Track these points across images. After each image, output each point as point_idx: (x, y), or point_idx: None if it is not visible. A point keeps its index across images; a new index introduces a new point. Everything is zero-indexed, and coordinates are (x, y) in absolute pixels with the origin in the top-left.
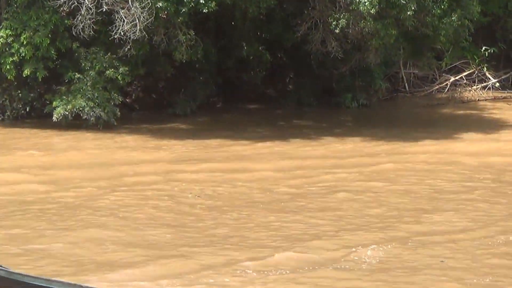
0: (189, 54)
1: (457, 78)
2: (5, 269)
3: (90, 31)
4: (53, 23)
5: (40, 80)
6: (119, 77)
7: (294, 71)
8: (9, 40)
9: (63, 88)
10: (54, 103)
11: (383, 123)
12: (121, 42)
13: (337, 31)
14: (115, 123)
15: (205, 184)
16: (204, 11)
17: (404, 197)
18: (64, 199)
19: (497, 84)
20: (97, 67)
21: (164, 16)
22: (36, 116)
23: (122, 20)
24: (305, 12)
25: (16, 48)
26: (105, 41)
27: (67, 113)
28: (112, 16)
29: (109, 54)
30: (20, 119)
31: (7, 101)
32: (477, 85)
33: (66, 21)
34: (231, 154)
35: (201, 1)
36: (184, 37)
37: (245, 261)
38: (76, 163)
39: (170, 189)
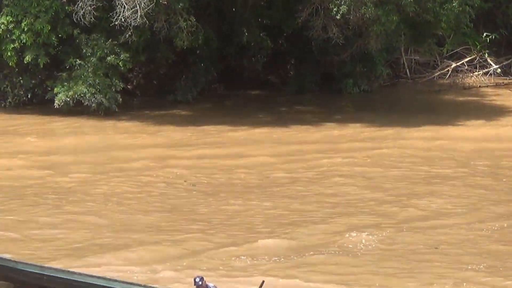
0: (190, 40)
1: (458, 64)
2: None
3: (91, 18)
4: (53, 9)
5: (41, 66)
6: (120, 63)
7: (295, 57)
8: (10, 26)
9: (64, 74)
10: (55, 89)
11: (384, 109)
12: (122, 28)
13: (338, 17)
14: (117, 110)
15: (201, 170)
16: None
17: (400, 182)
18: (60, 184)
19: (499, 70)
20: (98, 53)
21: (165, 2)
22: (38, 103)
23: (123, 7)
24: None
25: (17, 34)
26: (106, 27)
27: (68, 99)
28: (113, 2)
29: (110, 40)
30: (22, 106)
31: (8, 87)
32: (478, 71)
33: (66, 8)
34: (229, 139)
35: None
36: (185, 23)
37: (239, 246)
38: (75, 149)
39: (166, 175)
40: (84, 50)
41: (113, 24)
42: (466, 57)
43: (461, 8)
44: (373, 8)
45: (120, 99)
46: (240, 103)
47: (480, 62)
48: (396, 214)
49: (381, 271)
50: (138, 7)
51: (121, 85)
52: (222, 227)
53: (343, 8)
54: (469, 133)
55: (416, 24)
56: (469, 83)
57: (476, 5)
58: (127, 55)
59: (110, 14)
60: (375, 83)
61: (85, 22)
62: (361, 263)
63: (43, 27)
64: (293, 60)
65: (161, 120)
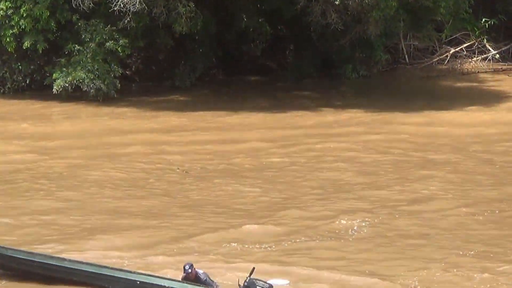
0: (189, 26)
1: (457, 49)
2: None
3: (90, 3)
4: None
5: (40, 52)
6: (119, 49)
7: (294, 43)
8: (9, 12)
9: (63, 60)
10: (54, 75)
11: (382, 94)
12: (121, 14)
13: (337, 2)
14: (115, 95)
15: (196, 155)
16: None
17: (393, 167)
18: (53, 170)
19: (497, 56)
20: (97, 39)
21: None
22: (36, 88)
23: None
24: None
25: (16, 20)
26: (105, 13)
27: (67, 85)
28: None
29: (109, 26)
30: (21, 91)
31: (7, 73)
32: (477, 57)
33: None
34: (225, 125)
35: None
36: (183, 9)
37: (230, 232)
38: (70, 134)
39: (159, 161)
40: (83, 36)
41: (112, 9)
42: (464, 43)
43: None
44: None
45: (119, 85)
46: (238, 88)
47: (478, 47)
48: (388, 199)
49: (373, 257)
50: None
51: (120, 71)
52: (213, 213)
53: None
54: (466, 119)
55: (415, 10)
56: (467, 69)
57: None
58: (126, 40)
59: None
60: (374, 68)
61: (84, 8)
62: (353, 249)
63: (42, 12)
64: (292, 46)
65: (158, 106)
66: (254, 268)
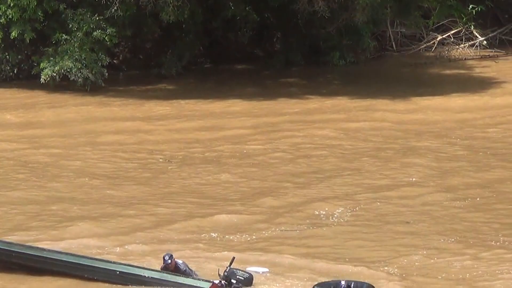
0: (176, 14)
1: (444, 36)
2: None
3: None
4: None
5: (28, 42)
6: (106, 38)
7: (281, 31)
8: None
9: (51, 49)
10: (41, 64)
11: (369, 81)
12: (108, 3)
13: None
14: (103, 84)
15: (179, 143)
16: None
17: (374, 154)
18: (35, 159)
19: (485, 43)
20: (84, 28)
21: None
22: (24, 78)
23: None
24: None
25: (3, 10)
26: (92, 2)
27: (54, 74)
28: None
29: (96, 15)
30: (8, 81)
31: None
32: (464, 44)
33: None
34: (210, 113)
35: None
36: None
37: (210, 221)
38: (55, 123)
39: (142, 150)
40: (70, 25)
41: None
42: (452, 30)
43: None
44: None
45: (106, 74)
46: (225, 77)
47: (466, 34)
48: (369, 186)
49: (354, 244)
50: None
51: (107, 60)
52: (194, 201)
53: None
54: (451, 105)
55: None
56: (454, 56)
57: None
58: (113, 29)
59: None
60: (361, 55)
61: None
62: (334, 236)
63: (29, 2)
64: (279, 34)
65: (145, 95)
66: (234, 258)
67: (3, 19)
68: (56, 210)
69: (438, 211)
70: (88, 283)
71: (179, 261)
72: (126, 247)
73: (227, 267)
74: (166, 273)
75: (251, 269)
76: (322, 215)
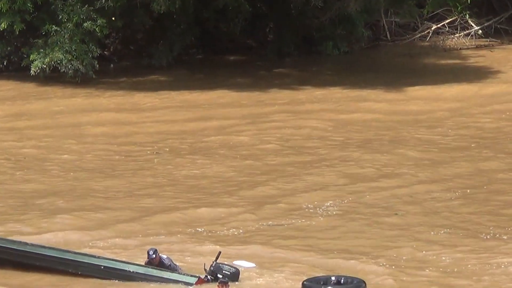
0: (167, 5)
1: (439, 26)
2: None
3: None
4: None
5: (17, 33)
6: (97, 29)
7: (274, 21)
8: None
9: (40, 41)
10: (31, 56)
11: (362, 71)
12: None
13: None
14: (94, 76)
15: (167, 135)
16: None
17: (363, 146)
18: (19, 151)
19: (480, 32)
20: (74, 19)
21: None
22: (14, 70)
23: None
24: None
25: None
26: None
27: (44, 66)
28: None
29: (86, 6)
30: None
31: None
32: (459, 33)
33: None
34: (200, 104)
35: None
36: None
37: (196, 214)
38: (43, 115)
39: (129, 141)
40: (60, 16)
41: None
42: (446, 19)
43: None
44: None
45: (97, 65)
46: (217, 68)
47: (461, 23)
48: (358, 178)
49: (342, 236)
50: None
51: (98, 51)
52: (180, 193)
53: None
54: (445, 95)
55: None
56: (449, 45)
57: None
58: (104, 20)
59: None
60: (355, 45)
61: None
62: (322, 228)
63: None
64: (272, 24)
65: (136, 86)
66: (220, 252)
67: None
68: (40, 203)
69: (428, 203)
70: (79, 279)
71: (164, 256)
72: (111, 240)
73: (213, 262)
74: (152, 267)
75: (238, 263)
76: (310, 207)
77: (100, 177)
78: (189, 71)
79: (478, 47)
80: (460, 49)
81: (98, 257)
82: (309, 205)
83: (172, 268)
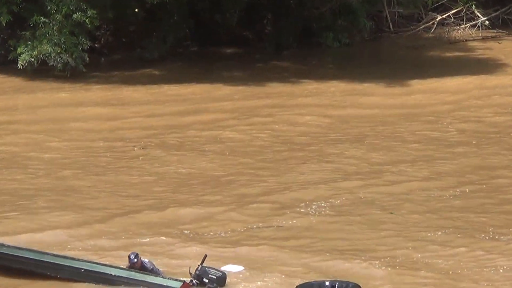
0: None
1: (444, 16)
2: None
3: None
4: None
5: (4, 25)
6: (87, 20)
7: (272, 12)
8: None
9: (28, 33)
10: (18, 49)
11: (364, 64)
12: None
13: None
14: (84, 70)
15: (155, 130)
16: None
17: (358, 141)
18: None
19: (487, 23)
20: (63, 10)
21: None
22: (1, 63)
23: None
24: None
25: None
26: None
27: (32, 59)
28: None
29: None
30: None
31: None
32: (465, 24)
33: None
34: (192, 98)
35: None
36: None
37: (181, 215)
38: (27, 111)
39: (118, 137)
40: (49, 7)
41: None
42: (452, 9)
43: None
44: None
45: (87, 58)
46: (212, 61)
47: (467, 14)
48: (352, 175)
49: (335, 237)
50: None
51: (88, 44)
52: (165, 192)
53: None
54: (448, 89)
55: None
56: (455, 37)
57: None
58: (94, 11)
59: None
60: (356, 37)
61: None
62: (313, 228)
63: None
64: (270, 15)
65: (127, 80)
66: (206, 256)
67: None
68: (19, 202)
69: (424, 201)
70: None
71: (146, 260)
72: (92, 242)
73: (199, 265)
74: (135, 271)
75: (225, 268)
76: (302, 206)
77: (83, 175)
78: (183, 64)
79: (484, 39)
80: (466, 40)
81: (78, 260)
82: (300, 204)
83: (154, 273)
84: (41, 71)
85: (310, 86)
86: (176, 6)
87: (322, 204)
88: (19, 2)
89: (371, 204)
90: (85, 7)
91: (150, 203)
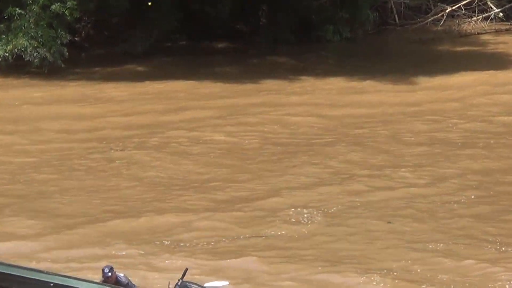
0: None
1: (454, 8)
2: None
3: None
4: None
5: None
6: (66, 12)
7: (268, 3)
8: None
9: (2, 26)
10: None
11: (367, 60)
12: None
13: None
14: (63, 65)
15: (135, 130)
16: None
17: (356, 142)
18: None
19: (500, 15)
20: (41, 1)
21: None
22: None
23: None
24: None
25: None
26: None
27: (7, 54)
28: None
29: None
30: None
31: None
32: (477, 16)
33: None
34: (176, 96)
35: None
36: None
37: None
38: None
39: (95, 137)
40: None
41: None
42: (463, 0)
43: None
44: None
45: (66, 53)
46: (203, 56)
47: (479, 5)
48: (347, 180)
49: (329, 248)
50: None
51: (68, 37)
52: (144, 198)
53: None
54: (458, 86)
55: None
56: (466, 30)
57: None
58: (74, 2)
59: None
60: (359, 30)
61: None
62: (305, 239)
63: None
64: (265, 6)
65: (109, 77)
66: (187, 269)
67: None
68: None
69: (425, 208)
70: None
71: (121, 275)
72: (63, 253)
73: (178, 280)
74: (108, 285)
75: (209, 284)
76: (291, 214)
77: (56, 180)
78: (170, 59)
79: (498, 32)
80: (478, 34)
81: (47, 273)
82: (290, 211)
83: (130, 287)
84: (16, 67)
85: (306, 84)
86: None
87: (314, 212)
88: None
89: (368, 211)
90: None
91: (127, 210)
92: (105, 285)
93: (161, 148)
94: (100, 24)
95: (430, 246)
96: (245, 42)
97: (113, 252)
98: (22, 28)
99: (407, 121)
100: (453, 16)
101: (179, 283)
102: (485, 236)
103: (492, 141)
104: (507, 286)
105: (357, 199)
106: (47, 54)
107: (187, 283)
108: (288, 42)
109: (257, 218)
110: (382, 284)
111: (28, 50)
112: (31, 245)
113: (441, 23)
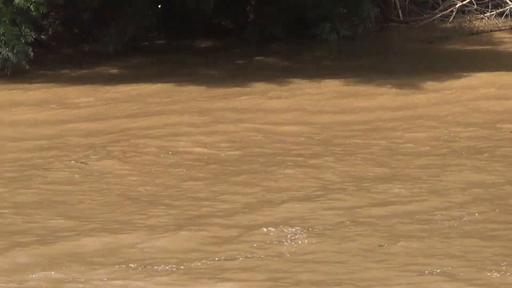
0: None
1: (465, 3)
2: None
3: None
4: None
5: None
6: (31, 6)
7: None
8: None
9: None
10: None
11: (367, 61)
12: None
13: None
14: (27, 67)
15: (101, 139)
16: None
17: (353, 160)
18: None
19: None
20: None
21: None
22: None
23: None
24: None
25: None
26: None
27: None
28: None
29: None
30: None
31: None
32: (490, 12)
33: None
34: (147, 100)
35: None
36: None
37: (126, 246)
38: None
39: (52, 147)
40: None
41: None
42: None
43: None
44: None
45: (32, 53)
46: (184, 56)
47: (492, 0)
48: (334, 195)
49: (314, 270)
50: None
51: (33, 35)
52: (106, 213)
53: None
54: (467, 89)
55: None
56: (478, 27)
57: None
58: None
59: None
60: (359, 28)
61: None
62: (288, 263)
63: None
64: (254, 0)
65: (78, 79)
66: None
67: None
68: None
69: (421, 229)
70: None
71: None
72: (15, 274)
73: None
74: None
75: None
76: (272, 232)
77: (7, 195)
78: (149, 60)
79: None
80: (491, 31)
81: None
82: (270, 229)
83: None
84: None
85: (296, 87)
86: None
87: (298, 230)
88: None
89: (358, 230)
90: None
91: (88, 229)
92: None
93: (128, 159)
94: (69, 20)
95: (427, 272)
96: (231, 41)
97: (71, 275)
98: None
99: (406, 128)
100: (463, 12)
101: None
102: (488, 258)
103: (499, 150)
104: None
105: (345, 217)
106: (10, 54)
107: None
108: (279, 41)
109: (234, 237)
110: None
111: None
112: None
113: (450, 19)
